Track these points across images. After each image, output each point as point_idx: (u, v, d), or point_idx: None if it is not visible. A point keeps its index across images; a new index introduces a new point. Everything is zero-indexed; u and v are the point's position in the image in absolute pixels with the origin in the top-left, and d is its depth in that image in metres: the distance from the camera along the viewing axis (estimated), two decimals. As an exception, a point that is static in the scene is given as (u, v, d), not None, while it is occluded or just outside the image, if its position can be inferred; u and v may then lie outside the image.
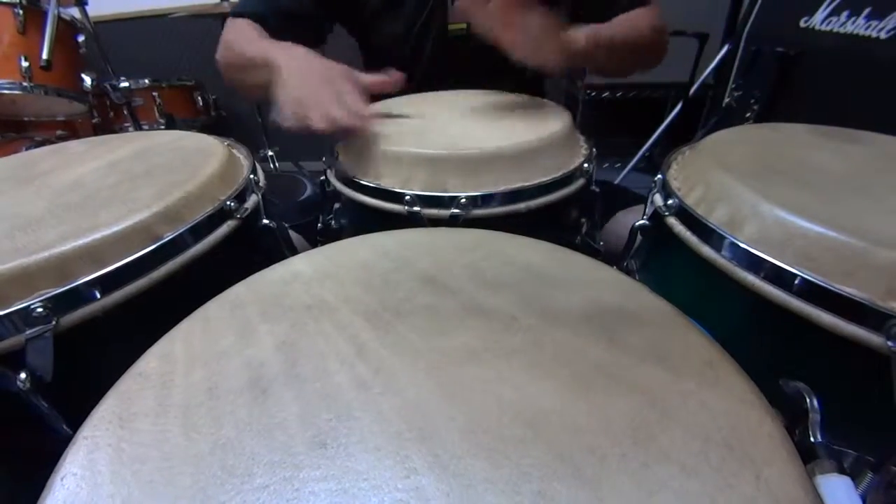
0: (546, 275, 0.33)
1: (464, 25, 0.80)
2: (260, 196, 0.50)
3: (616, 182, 1.78)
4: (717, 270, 0.38)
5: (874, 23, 1.03)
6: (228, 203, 0.44)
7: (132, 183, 0.45)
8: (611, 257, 0.58)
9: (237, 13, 0.76)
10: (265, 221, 0.50)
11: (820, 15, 1.13)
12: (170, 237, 0.39)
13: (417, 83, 0.77)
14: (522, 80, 0.77)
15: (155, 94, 1.87)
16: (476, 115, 0.63)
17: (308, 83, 0.55)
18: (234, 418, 0.23)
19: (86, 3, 1.50)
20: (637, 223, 0.49)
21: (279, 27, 0.73)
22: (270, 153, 2.09)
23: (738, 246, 0.36)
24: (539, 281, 0.33)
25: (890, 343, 0.29)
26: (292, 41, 0.66)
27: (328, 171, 0.60)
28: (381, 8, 0.80)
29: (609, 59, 0.60)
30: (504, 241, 0.38)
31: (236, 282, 0.35)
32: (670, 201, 0.44)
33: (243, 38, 0.71)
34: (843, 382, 0.35)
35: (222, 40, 0.74)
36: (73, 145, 0.59)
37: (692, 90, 1.70)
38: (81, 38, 1.51)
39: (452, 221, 0.49)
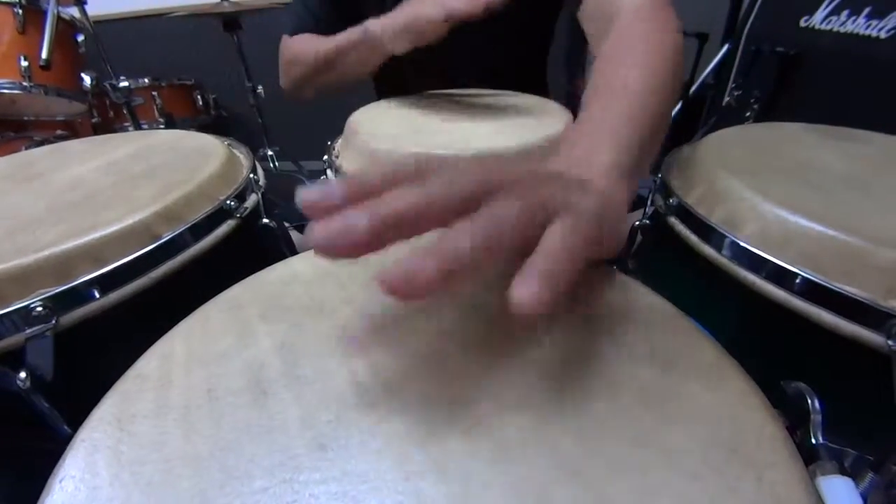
0: (546, 275, 0.33)
1: None
2: (260, 195, 0.49)
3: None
4: (718, 270, 0.38)
5: (874, 22, 1.02)
6: (228, 202, 0.44)
7: (132, 182, 0.45)
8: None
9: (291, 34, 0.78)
10: (265, 221, 0.50)
11: (820, 14, 1.13)
12: (169, 236, 0.39)
13: (409, 85, 0.77)
14: (514, 80, 0.77)
15: (154, 93, 1.87)
16: (476, 114, 0.62)
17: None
18: (234, 420, 0.23)
19: (85, 3, 1.49)
20: (637, 223, 0.49)
21: (331, 28, 0.76)
22: (270, 153, 2.09)
23: (739, 245, 0.36)
24: (539, 281, 0.33)
25: (891, 342, 0.29)
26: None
27: (328, 170, 0.60)
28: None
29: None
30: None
31: (236, 282, 0.35)
32: (671, 201, 0.44)
33: (316, 44, 0.71)
34: (844, 382, 0.35)
35: (287, 60, 0.77)
36: (73, 145, 0.59)
37: (692, 90, 1.70)
38: (81, 38, 1.51)
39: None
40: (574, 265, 0.22)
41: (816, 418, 0.23)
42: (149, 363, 0.27)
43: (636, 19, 0.45)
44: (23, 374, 0.32)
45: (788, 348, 0.38)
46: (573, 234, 0.23)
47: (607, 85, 0.37)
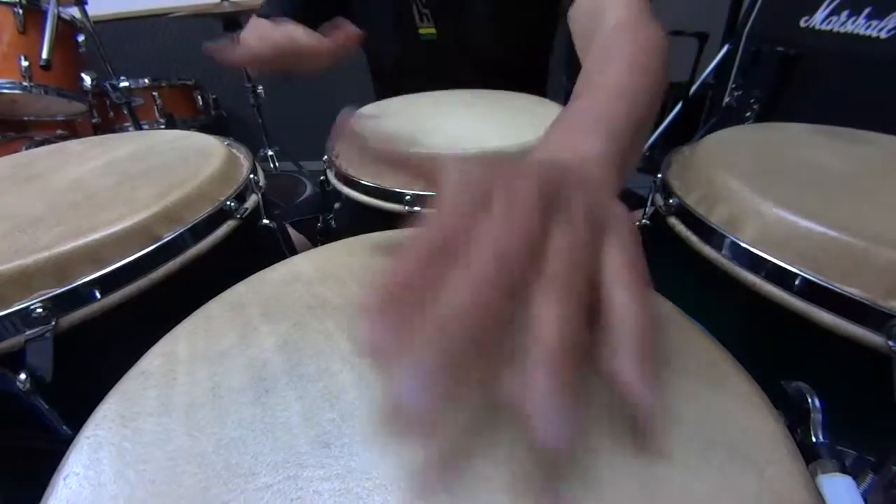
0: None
1: (433, 30, 0.79)
2: (260, 196, 0.49)
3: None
4: (718, 270, 0.38)
5: (874, 22, 1.03)
6: (228, 203, 0.44)
7: (132, 183, 0.45)
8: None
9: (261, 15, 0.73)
10: (265, 221, 0.50)
11: (820, 14, 1.13)
12: (170, 237, 0.39)
13: (409, 85, 0.77)
14: (514, 81, 0.76)
15: (155, 93, 1.87)
16: (476, 114, 0.63)
17: None
18: (238, 417, 0.23)
19: (86, 3, 1.49)
20: (637, 223, 0.49)
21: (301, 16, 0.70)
22: (270, 153, 2.09)
23: (739, 245, 0.36)
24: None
25: (891, 343, 0.29)
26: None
27: (328, 170, 0.60)
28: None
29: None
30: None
31: (237, 282, 0.35)
32: (671, 201, 0.44)
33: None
34: (844, 382, 0.35)
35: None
36: (73, 145, 0.59)
37: (692, 90, 1.70)
38: (81, 38, 1.51)
39: (453, 221, 0.48)
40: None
41: (817, 417, 0.23)
42: (152, 361, 0.27)
43: (624, 23, 0.47)
44: (22, 376, 0.32)
45: (788, 348, 0.38)
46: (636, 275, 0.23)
47: (596, 81, 0.37)
